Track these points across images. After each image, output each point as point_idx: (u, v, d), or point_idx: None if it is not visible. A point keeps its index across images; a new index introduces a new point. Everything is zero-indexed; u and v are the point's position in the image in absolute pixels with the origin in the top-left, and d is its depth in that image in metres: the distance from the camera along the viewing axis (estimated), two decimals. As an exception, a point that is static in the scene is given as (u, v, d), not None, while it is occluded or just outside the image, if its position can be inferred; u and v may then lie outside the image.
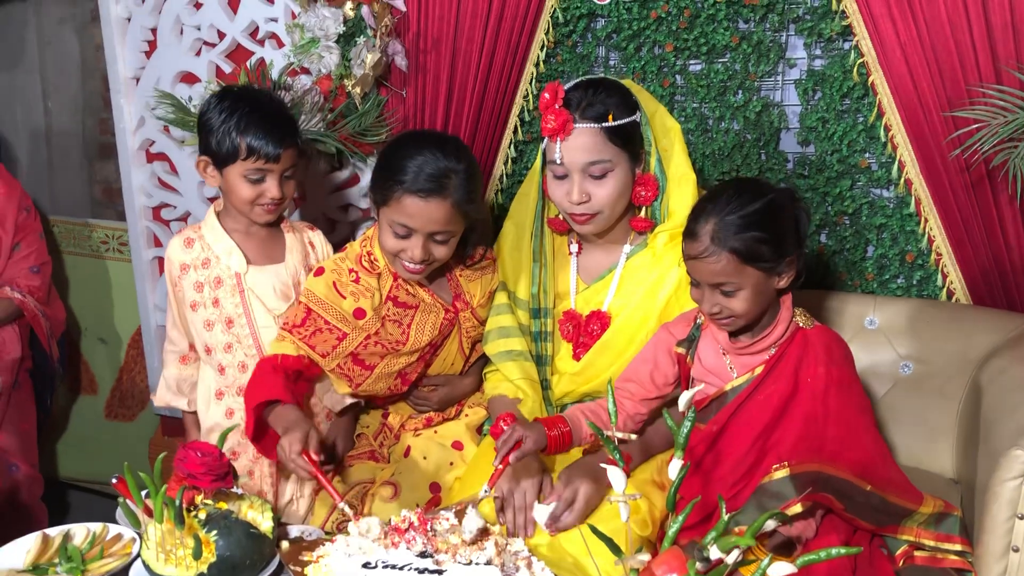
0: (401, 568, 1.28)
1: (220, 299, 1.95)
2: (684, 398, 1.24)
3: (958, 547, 1.51)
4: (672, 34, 2.24)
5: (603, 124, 1.76)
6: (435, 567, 1.28)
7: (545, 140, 1.83)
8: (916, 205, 2.07)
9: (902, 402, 1.94)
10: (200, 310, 1.97)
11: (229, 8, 2.69)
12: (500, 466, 1.57)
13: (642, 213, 1.88)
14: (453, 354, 2.01)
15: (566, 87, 1.81)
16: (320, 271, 1.95)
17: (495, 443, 1.59)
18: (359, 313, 1.90)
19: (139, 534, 1.48)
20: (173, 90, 2.75)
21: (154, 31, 2.80)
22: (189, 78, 2.78)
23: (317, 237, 2.10)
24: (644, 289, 1.84)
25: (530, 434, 1.58)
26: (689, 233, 1.60)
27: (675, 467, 1.20)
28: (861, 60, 2.05)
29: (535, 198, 1.95)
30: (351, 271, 1.93)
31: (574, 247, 1.96)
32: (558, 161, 1.78)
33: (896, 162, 2.07)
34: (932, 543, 1.50)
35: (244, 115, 1.87)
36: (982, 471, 1.57)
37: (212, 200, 2.84)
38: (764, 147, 2.24)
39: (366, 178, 2.62)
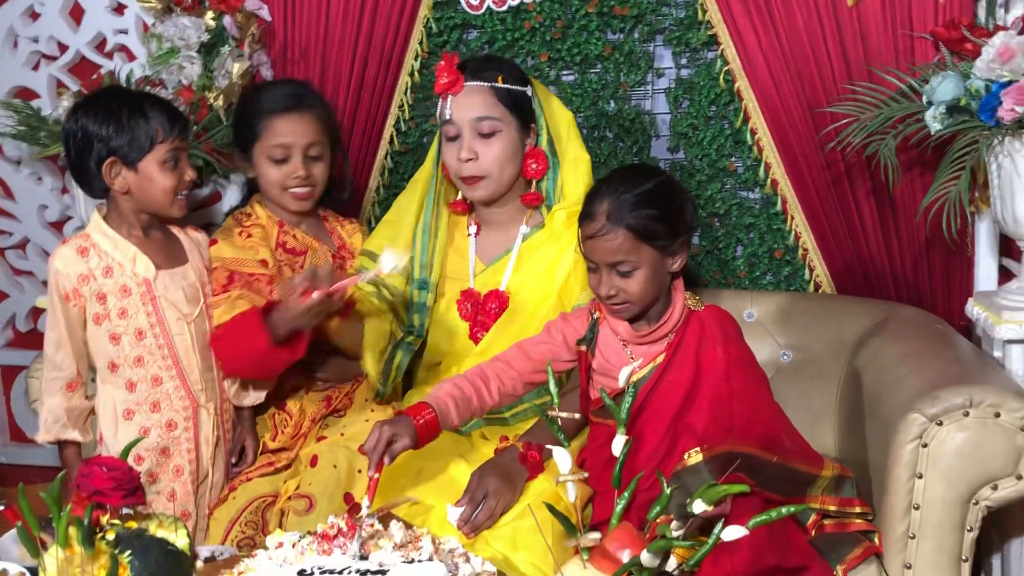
0: (340, 572, 1.22)
1: (128, 309, 1.81)
2: (623, 374, 1.25)
3: (858, 509, 1.59)
4: (546, 44, 2.29)
5: (493, 84, 1.84)
6: (378, 568, 1.22)
7: (439, 103, 1.89)
8: (782, 204, 2.20)
9: (785, 388, 2.01)
10: (104, 323, 1.82)
11: (71, 18, 2.53)
12: (375, 475, 1.50)
13: (533, 187, 1.93)
14: None
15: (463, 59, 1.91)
16: (214, 241, 1.98)
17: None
18: (264, 263, 1.96)
19: (28, 569, 1.33)
20: (7, 106, 2.56)
21: (-16, 43, 2.59)
22: (26, 94, 2.58)
23: (203, 237, 2.02)
24: (542, 267, 1.88)
25: (398, 431, 1.52)
26: (586, 215, 1.65)
27: (619, 443, 1.21)
28: (727, 68, 2.17)
29: (429, 172, 2.00)
30: (240, 232, 1.99)
31: (472, 228, 1.99)
32: (448, 117, 1.85)
33: (762, 164, 2.19)
34: (836, 508, 1.58)
35: (141, 103, 1.82)
36: (875, 442, 1.66)
37: (55, 224, 2.67)
38: (637, 154, 2.31)
39: (228, 195, 2.52)
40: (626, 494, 1.19)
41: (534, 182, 1.92)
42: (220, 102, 2.34)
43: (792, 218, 2.19)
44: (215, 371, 1.91)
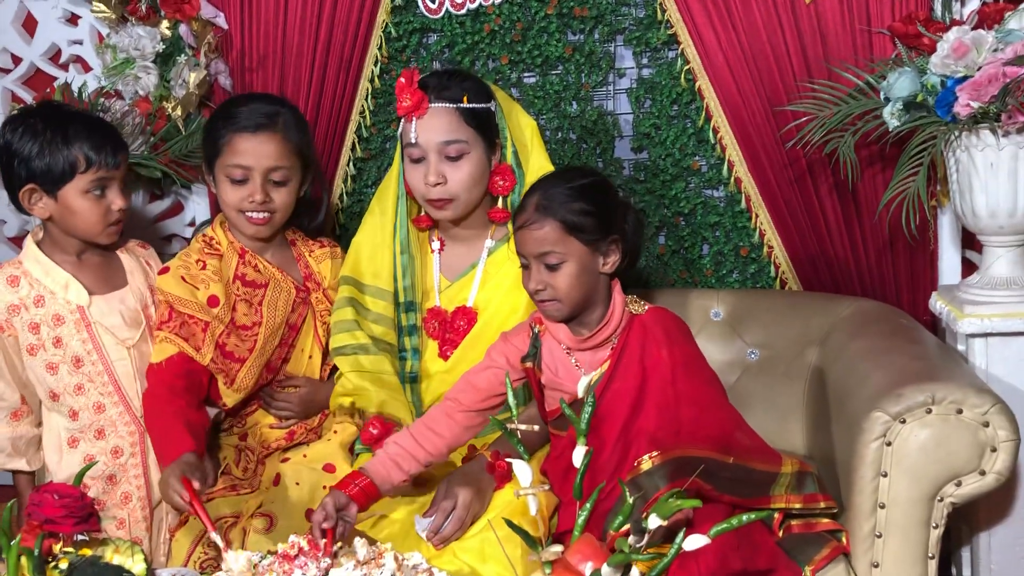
0: (301, 593, 1.20)
1: (63, 338, 1.77)
2: (582, 384, 1.24)
3: (822, 504, 1.58)
4: (506, 47, 2.27)
5: (458, 104, 1.79)
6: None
7: (401, 123, 1.83)
8: (746, 202, 2.19)
9: (752, 387, 2.02)
10: (40, 353, 1.78)
11: (24, 31, 2.49)
12: (325, 540, 1.42)
13: (499, 204, 1.89)
14: (310, 344, 1.98)
15: (423, 75, 1.83)
16: (166, 269, 1.90)
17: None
18: (213, 301, 1.87)
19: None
20: (-39, 120, 2.51)
21: (-66, 56, 2.54)
22: (-22, 106, 2.54)
23: (152, 255, 1.98)
24: (509, 282, 1.85)
25: (338, 502, 1.51)
26: (519, 208, 1.66)
27: (579, 454, 1.20)
28: (687, 67, 2.16)
29: (395, 191, 1.94)
30: (197, 261, 1.91)
31: (436, 244, 1.95)
32: (414, 141, 1.79)
33: (725, 162, 2.19)
34: (800, 506, 1.56)
35: (67, 126, 1.74)
36: (840, 439, 1.66)
37: (16, 240, 2.62)
38: (601, 155, 2.30)
39: (190, 206, 2.50)
40: (588, 505, 1.18)
41: (500, 197, 1.88)
42: (178, 112, 2.32)
43: (756, 216, 2.19)
44: None
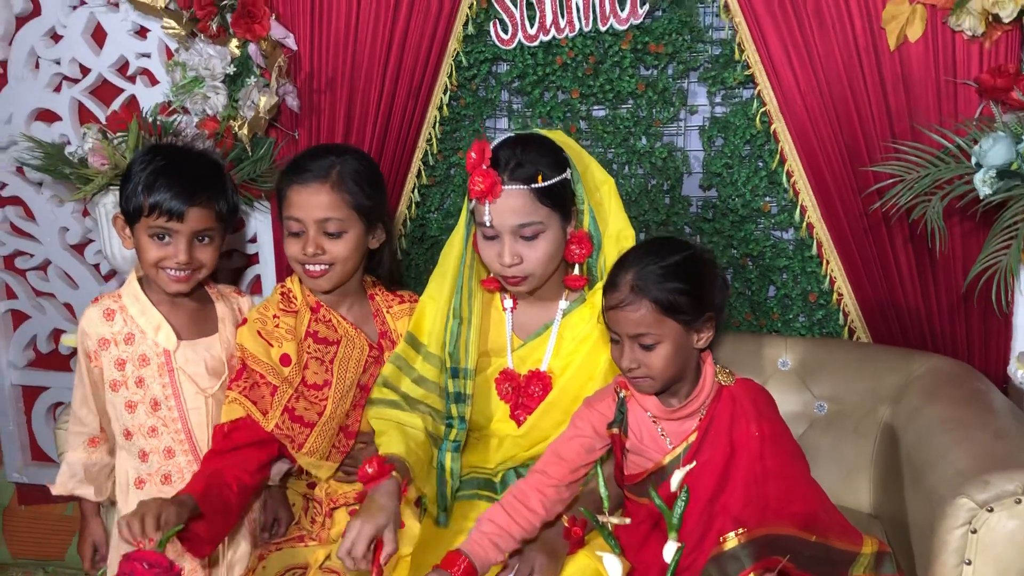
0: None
1: (145, 379, 1.78)
2: (676, 478, 1.22)
3: (899, 586, 1.57)
4: (577, 80, 2.24)
5: (532, 185, 1.71)
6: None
7: (473, 201, 1.77)
8: (817, 247, 2.16)
9: (819, 441, 2.00)
10: (122, 390, 1.79)
11: (93, 41, 2.49)
12: None
13: (576, 270, 1.84)
14: None
15: (493, 145, 1.76)
16: (243, 322, 1.87)
17: None
18: (285, 360, 1.84)
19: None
20: (28, 129, 2.54)
21: (3, 65, 2.55)
22: (47, 116, 2.56)
23: (246, 303, 1.96)
24: (587, 347, 1.81)
25: None
26: (609, 284, 1.60)
27: (670, 549, 1.19)
28: (763, 109, 2.12)
29: (458, 254, 1.88)
30: (274, 316, 1.88)
31: (508, 302, 1.90)
32: (488, 224, 1.73)
33: (798, 207, 2.15)
34: None
35: (156, 169, 1.74)
36: (918, 514, 1.64)
37: (77, 247, 2.65)
38: (669, 192, 2.27)
39: (251, 223, 2.49)
40: (677, 600, 1.17)
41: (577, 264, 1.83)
42: (245, 131, 2.31)
43: (827, 262, 2.16)
44: None
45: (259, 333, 1.84)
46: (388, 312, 1.97)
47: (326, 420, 1.83)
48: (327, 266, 1.83)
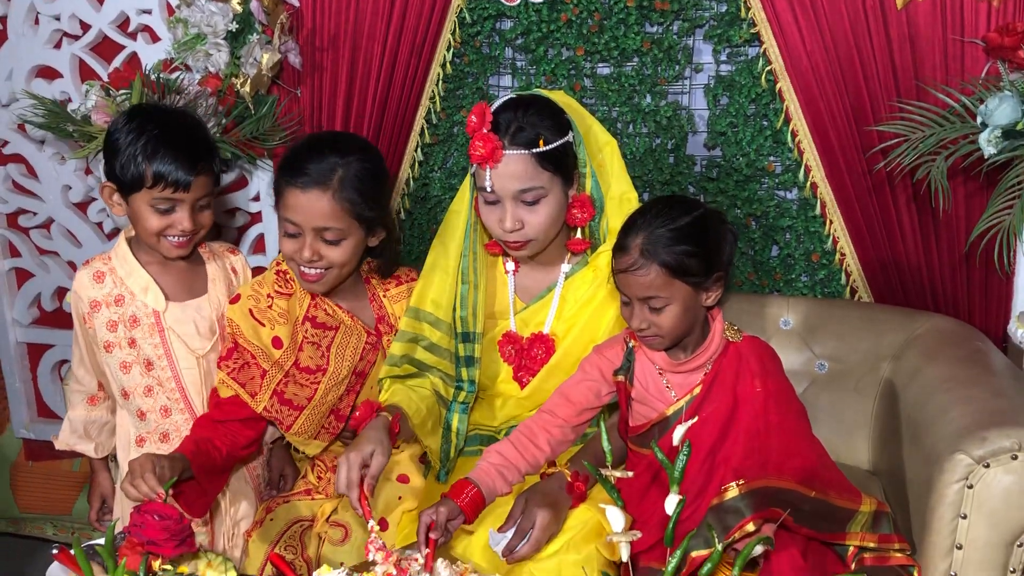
0: (391, 625, 1.23)
1: (137, 339, 1.79)
2: (678, 433, 1.24)
3: (896, 546, 1.59)
4: (582, 37, 2.22)
5: (534, 150, 1.70)
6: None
7: (474, 166, 1.76)
8: (821, 207, 2.16)
9: (819, 399, 2.02)
10: (115, 351, 1.80)
11: (94, -2, 2.47)
12: (428, 551, 1.49)
13: (578, 234, 1.85)
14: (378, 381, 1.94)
15: (494, 108, 1.74)
16: (237, 298, 1.85)
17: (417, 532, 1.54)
18: (276, 342, 1.83)
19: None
20: (29, 85, 2.51)
21: (3, 20, 2.53)
22: (48, 72, 2.54)
23: (239, 262, 1.95)
24: (589, 310, 1.82)
25: (447, 512, 1.55)
26: (619, 247, 1.62)
27: (672, 502, 1.21)
28: (769, 68, 2.11)
29: (465, 218, 1.88)
30: (268, 296, 1.86)
31: (510, 266, 1.91)
32: (488, 189, 1.73)
33: (802, 166, 2.15)
34: (875, 545, 1.57)
35: (153, 138, 1.71)
36: (916, 470, 1.66)
37: (80, 205, 2.65)
38: (673, 151, 2.27)
39: (254, 181, 2.49)
40: (678, 553, 1.19)
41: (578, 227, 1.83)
42: (247, 89, 2.30)
43: (831, 222, 2.16)
44: None
45: (251, 312, 1.83)
46: (385, 296, 1.96)
47: (315, 404, 1.83)
48: (323, 270, 1.78)
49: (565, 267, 1.86)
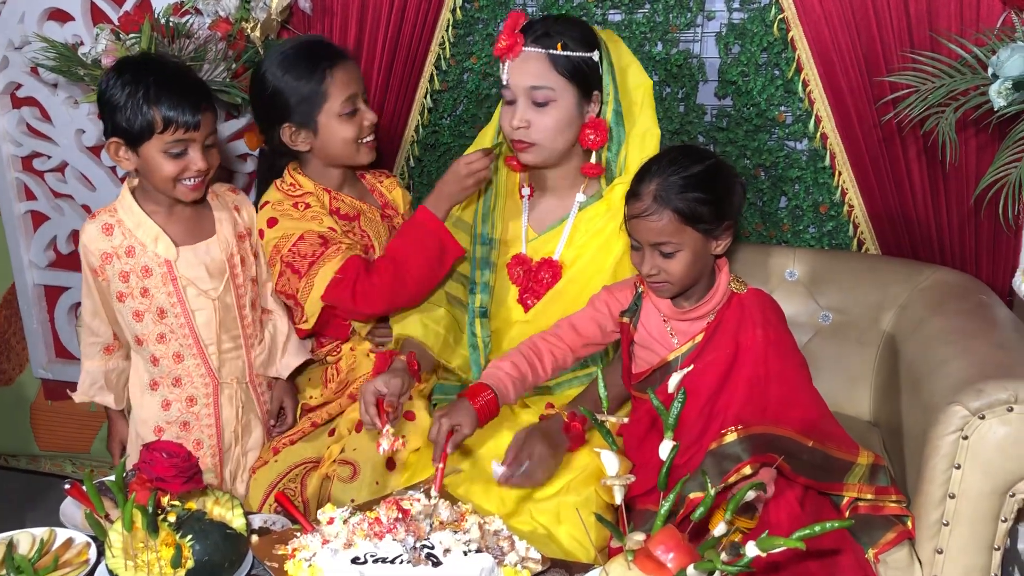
0: (392, 561, 1.27)
1: (149, 288, 1.81)
2: (674, 380, 1.26)
3: (893, 498, 1.61)
4: (593, -17, 2.21)
5: (550, 51, 1.77)
6: (428, 551, 1.27)
7: (500, 64, 1.84)
8: (830, 158, 2.15)
9: (822, 350, 2.03)
10: (128, 300, 1.82)
11: (104, -61, 2.46)
12: (441, 464, 1.54)
13: (593, 159, 1.87)
14: None
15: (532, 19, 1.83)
16: (273, 221, 1.90)
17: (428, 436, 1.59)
18: (333, 231, 1.91)
19: (93, 538, 1.39)
20: (41, 29, 2.52)
21: (16, -38, 2.53)
22: (59, 15, 2.54)
23: (242, 201, 1.97)
24: (599, 242, 1.85)
25: (459, 420, 1.58)
26: (632, 193, 1.64)
27: (665, 448, 1.23)
28: (781, 16, 2.09)
29: (495, 125, 1.95)
30: (295, 205, 1.93)
31: (526, 191, 1.95)
32: (505, 83, 1.81)
33: (812, 117, 2.13)
34: (871, 496, 1.60)
35: (152, 84, 1.71)
36: (913, 422, 1.68)
37: (93, 149, 2.66)
38: (684, 100, 2.26)
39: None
40: (671, 496, 1.22)
41: (594, 152, 1.86)
42: (257, 33, 2.29)
43: (840, 173, 2.15)
44: (242, 346, 1.91)
45: (297, 220, 1.89)
46: (381, 185, 2.11)
47: None
48: (374, 137, 1.97)
49: (580, 197, 1.90)
